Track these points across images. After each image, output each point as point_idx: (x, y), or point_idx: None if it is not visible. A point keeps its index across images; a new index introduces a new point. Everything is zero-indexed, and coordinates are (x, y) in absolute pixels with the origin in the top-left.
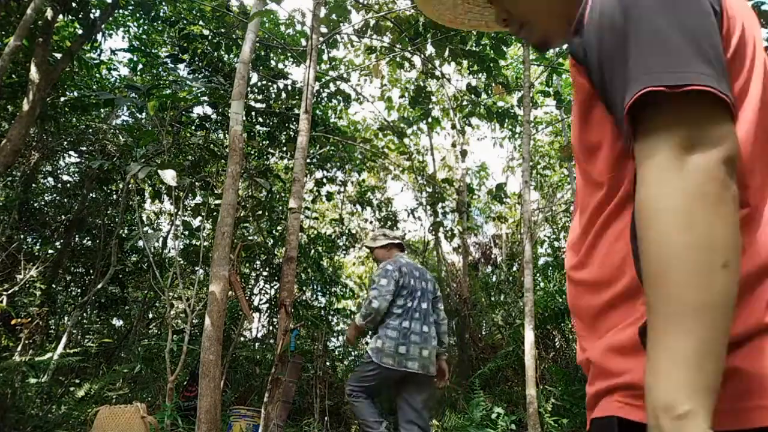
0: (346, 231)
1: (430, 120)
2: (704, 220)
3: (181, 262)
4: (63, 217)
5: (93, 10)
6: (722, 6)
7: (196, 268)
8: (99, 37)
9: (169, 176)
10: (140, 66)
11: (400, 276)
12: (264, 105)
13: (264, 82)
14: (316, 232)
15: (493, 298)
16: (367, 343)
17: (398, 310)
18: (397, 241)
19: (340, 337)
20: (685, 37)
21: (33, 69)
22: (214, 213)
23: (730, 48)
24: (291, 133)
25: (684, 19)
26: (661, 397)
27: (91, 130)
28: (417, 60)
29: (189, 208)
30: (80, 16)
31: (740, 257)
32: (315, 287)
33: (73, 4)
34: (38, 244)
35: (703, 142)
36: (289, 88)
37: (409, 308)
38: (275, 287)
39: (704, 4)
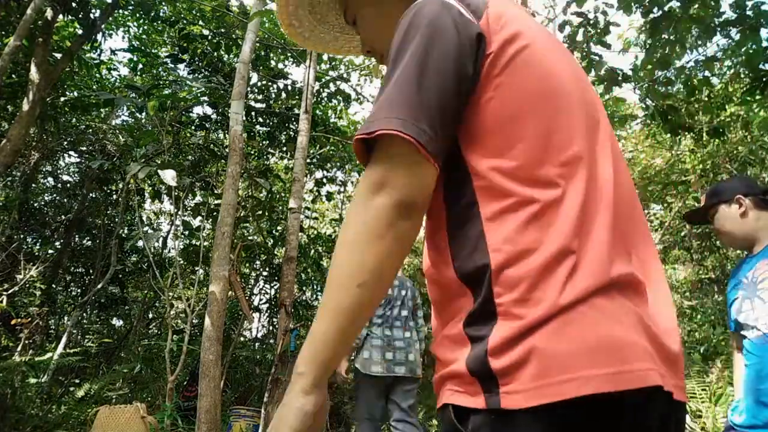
0: None
1: None
2: (360, 249)
3: (181, 262)
4: (63, 217)
5: (93, 10)
6: (486, 33)
7: (196, 268)
8: (99, 37)
9: (169, 176)
10: (140, 66)
11: None
12: (264, 105)
13: (264, 82)
14: (316, 232)
15: None
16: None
17: (378, 320)
18: None
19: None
20: (402, 87)
21: (33, 69)
22: (214, 213)
23: (501, 59)
24: (291, 133)
25: (411, 64)
26: (298, 359)
27: (91, 130)
28: None
29: (189, 208)
30: (80, 16)
31: (384, 276)
32: (315, 287)
33: (73, 4)
34: (38, 244)
35: (387, 185)
36: (289, 88)
37: (388, 317)
38: (275, 287)
39: (446, 50)
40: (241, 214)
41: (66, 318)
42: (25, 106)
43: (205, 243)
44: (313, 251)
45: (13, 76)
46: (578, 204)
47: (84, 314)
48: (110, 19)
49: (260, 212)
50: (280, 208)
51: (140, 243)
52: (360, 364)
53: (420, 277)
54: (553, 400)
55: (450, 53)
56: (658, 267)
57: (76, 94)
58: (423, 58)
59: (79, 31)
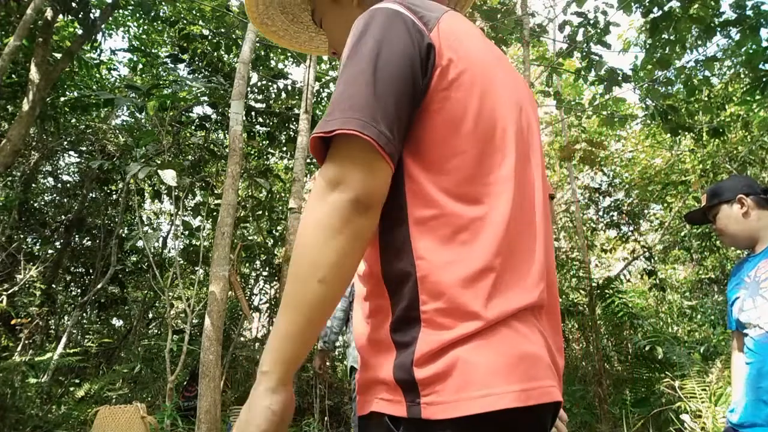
0: None
1: None
2: (318, 243)
3: (181, 262)
4: (63, 217)
5: (93, 10)
6: (435, 47)
7: (196, 268)
8: (99, 37)
9: (169, 176)
10: (140, 66)
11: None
12: (264, 105)
13: (264, 82)
14: None
15: None
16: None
17: None
18: None
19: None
20: (356, 85)
21: (33, 69)
22: (214, 213)
23: (447, 75)
24: (291, 133)
25: (364, 66)
26: (261, 360)
27: (91, 130)
28: None
29: (189, 208)
30: (80, 16)
31: (344, 271)
32: None
33: (73, 4)
34: (38, 244)
35: (343, 182)
36: (289, 88)
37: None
38: (275, 287)
39: (397, 50)
40: (241, 214)
41: (66, 318)
42: (25, 106)
43: (205, 243)
44: None
45: (13, 76)
46: (503, 224)
47: (84, 314)
48: (110, 19)
49: (260, 212)
50: (280, 208)
51: (140, 243)
52: (356, 363)
53: None
54: (470, 413)
55: (403, 59)
56: (555, 283)
57: (76, 94)
58: (378, 62)
59: (79, 31)
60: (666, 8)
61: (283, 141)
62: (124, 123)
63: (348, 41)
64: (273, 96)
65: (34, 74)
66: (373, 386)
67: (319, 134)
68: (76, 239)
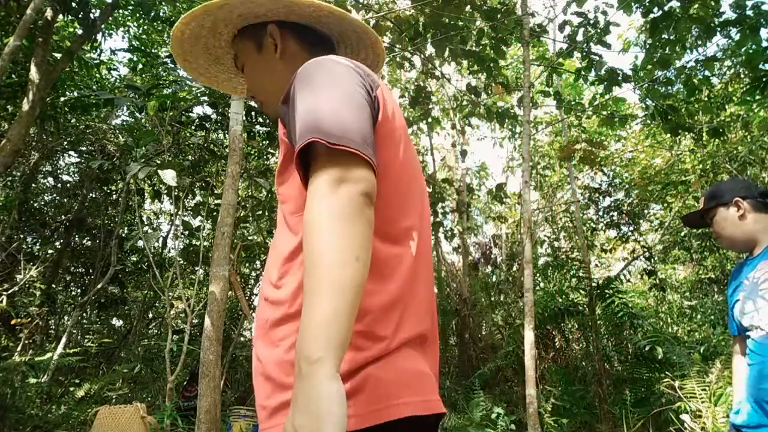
0: None
1: (430, 120)
2: (342, 229)
3: (181, 262)
4: (63, 217)
5: (93, 10)
6: (379, 100)
7: (196, 268)
8: (99, 37)
9: (169, 176)
10: (140, 66)
11: None
12: None
13: None
14: None
15: (493, 298)
16: None
17: None
18: None
19: None
20: (342, 111)
21: (33, 69)
22: (214, 213)
23: (384, 129)
24: None
25: (341, 96)
26: (303, 349)
27: (91, 130)
28: (417, 60)
29: (189, 208)
30: (80, 16)
31: (369, 255)
32: None
33: (73, 4)
34: (38, 244)
35: (349, 180)
36: None
37: None
38: None
39: (359, 92)
40: (241, 214)
41: (66, 318)
42: (25, 106)
43: (205, 243)
44: None
45: (13, 76)
46: (411, 264)
47: (84, 314)
48: (110, 19)
49: (260, 212)
50: None
51: (140, 243)
52: None
53: None
54: (381, 422)
55: (366, 98)
56: (436, 319)
57: (76, 94)
58: (350, 95)
59: (79, 31)
60: (666, 8)
61: None
62: (124, 123)
63: (303, 76)
64: None
65: (34, 74)
66: (284, 407)
67: (330, 144)
68: (76, 239)
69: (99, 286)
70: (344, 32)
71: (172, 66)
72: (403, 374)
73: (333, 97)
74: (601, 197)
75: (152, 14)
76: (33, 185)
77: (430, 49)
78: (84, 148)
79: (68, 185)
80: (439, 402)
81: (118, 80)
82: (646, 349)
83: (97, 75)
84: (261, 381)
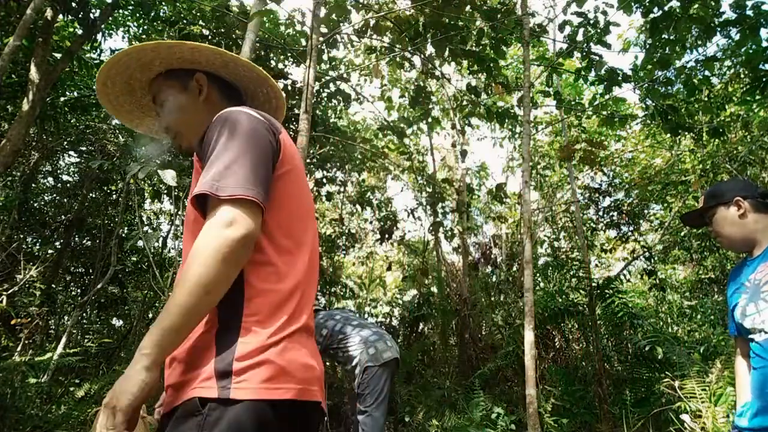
0: (346, 231)
1: (430, 120)
2: (210, 265)
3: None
4: (63, 217)
5: (93, 10)
6: (281, 144)
7: None
8: (99, 37)
9: (169, 176)
10: None
11: (320, 329)
12: None
13: None
14: None
15: (493, 298)
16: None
17: (357, 328)
18: (314, 308)
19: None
20: (240, 162)
21: (33, 69)
22: None
23: (284, 168)
24: (291, 133)
25: (244, 148)
26: (143, 342)
27: (91, 130)
28: (417, 60)
29: None
30: (80, 16)
31: (224, 289)
32: None
33: (73, 4)
34: (38, 244)
35: (236, 223)
36: (289, 88)
37: (357, 324)
38: None
39: (264, 140)
40: None
41: (66, 318)
42: (25, 106)
43: None
44: None
45: (13, 76)
46: (303, 271)
47: (84, 314)
48: (110, 19)
49: None
50: None
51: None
52: (371, 361)
53: (419, 276)
54: (266, 398)
55: (268, 147)
56: (313, 315)
57: (76, 94)
58: (253, 145)
59: (79, 31)
60: (666, 8)
61: None
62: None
63: (219, 128)
64: None
65: (34, 74)
66: (191, 381)
67: (217, 195)
68: (76, 239)
69: (99, 286)
70: (254, 88)
71: None
72: (291, 363)
73: (239, 149)
74: (601, 197)
75: (152, 14)
76: (33, 185)
77: (430, 49)
78: (84, 148)
79: (68, 185)
80: (317, 392)
81: None
82: (646, 349)
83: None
84: (169, 361)
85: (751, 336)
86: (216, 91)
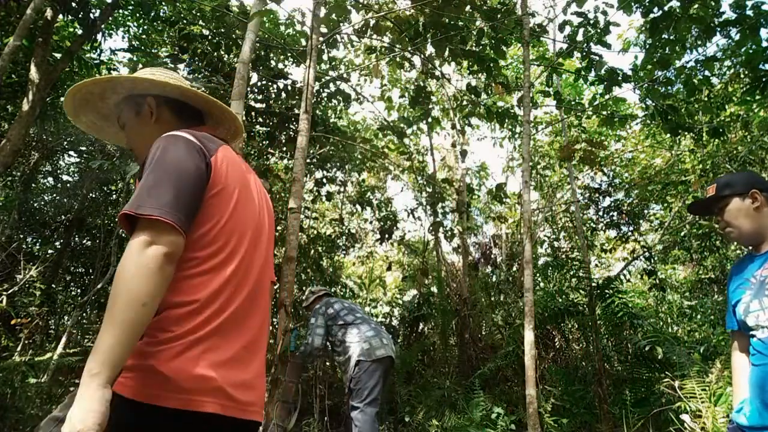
0: (346, 231)
1: (430, 120)
2: (141, 280)
3: None
4: (63, 217)
5: (93, 10)
6: (211, 166)
7: None
8: (99, 37)
9: None
10: (140, 66)
11: (327, 308)
12: (264, 105)
13: (264, 82)
14: (316, 232)
15: (493, 298)
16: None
17: (359, 319)
18: (323, 292)
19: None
20: (163, 186)
21: (33, 69)
22: None
23: (216, 188)
24: (291, 133)
25: (167, 173)
26: (89, 363)
27: None
28: (417, 60)
29: None
30: (80, 16)
31: (157, 301)
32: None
33: (73, 4)
34: (38, 244)
35: (156, 243)
36: (289, 88)
37: (363, 314)
38: (275, 287)
39: (188, 164)
40: None
41: (66, 318)
42: (25, 106)
43: None
44: (313, 251)
45: (13, 76)
46: (223, 280)
47: (84, 314)
48: (110, 19)
49: None
50: (280, 208)
51: None
52: (363, 356)
53: (420, 276)
54: (146, 401)
55: (194, 170)
56: (264, 334)
57: None
58: (178, 170)
59: (79, 31)
60: (666, 8)
61: (283, 141)
62: None
63: (153, 152)
64: (273, 96)
65: (34, 74)
66: (121, 374)
67: (140, 215)
68: (76, 239)
69: (99, 286)
70: (210, 109)
71: (172, 66)
72: (178, 372)
73: (163, 174)
74: (601, 197)
75: (152, 14)
76: (33, 185)
77: (430, 49)
78: (84, 148)
79: (68, 185)
80: (209, 404)
81: None
82: (646, 349)
83: (97, 75)
84: None
85: (752, 333)
86: (168, 112)
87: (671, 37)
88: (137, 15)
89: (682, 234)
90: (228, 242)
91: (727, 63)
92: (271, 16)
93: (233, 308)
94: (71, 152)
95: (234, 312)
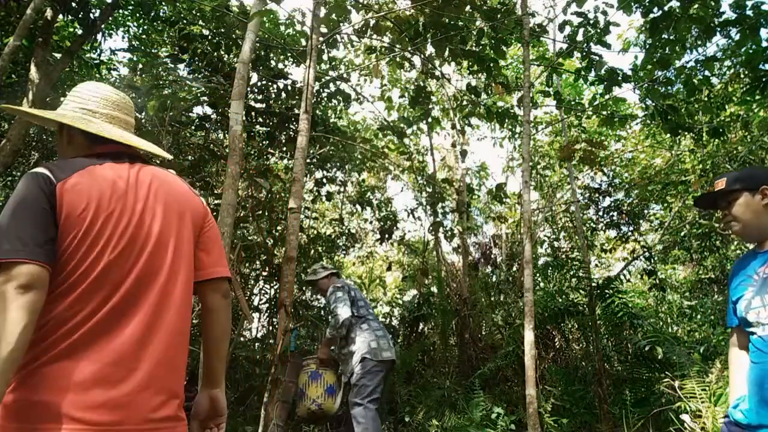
0: (346, 231)
1: (430, 120)
2: (6, 318)
3: None
4: None
5: (93, 10)
6: (57, 198)
7: None
8: (99, 37)
9: None
10: (140, 66)
11: (349, 289)
12: (264, 105)
13: (264, 82)
14: (316, 232)
15: (493, 298)
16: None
17: (370, 315)
18: (335, 270)
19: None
20: (8, 230)
21: (33, 69)
22: (214, 213)
23: (64, 212)
24: (291, 133)
25: (13, 214)
26: None
27: None
28: (417, 60)
29: None
30: (80, 16)
31: (30, 331)
32: None
33: (73, 4)
34: None
35: (6, 279)
36: (289, 88)
37: (371, 312)
38: (275, 287)
39: (32, 202)
40: (241, 214)
41: None
42: (25, 106)
43: None
44: (313, 251)
45: (13, 76)
46: (91, 308)
47: None
48: (110, 19)
49: (260, 212)
50: (280, 208)
51: None
52: (369, 354)
53: (419, 277)
54: None
55: (34, 203)
56: (159, 343)
57: None
58: (20, 207)
59: (79, 31)
60: (666, 8)
61: (283, 141)
62: None
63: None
64: (273, 96)
65: (34, 74)
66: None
67: None
68: None
69: None
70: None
71: (172, 66)
72: (17, 402)
73: (10, 213)
74: (601, 197)
75: (152, 14)
76: None
77: (430, 49)
78: None
79: None
80: (47, 430)
81: (118, 80)
82: (646, 349)
83: (97, 75)
84: None
85: (753, 329)
86: (80, 136)
87: (671, 37)
88: (137, 15)
89: (682, 234)
90: (83, 261)
91: (727, 63)
92: (271, 16)
93: (88, 327)
94: None
95: (90, 330)
